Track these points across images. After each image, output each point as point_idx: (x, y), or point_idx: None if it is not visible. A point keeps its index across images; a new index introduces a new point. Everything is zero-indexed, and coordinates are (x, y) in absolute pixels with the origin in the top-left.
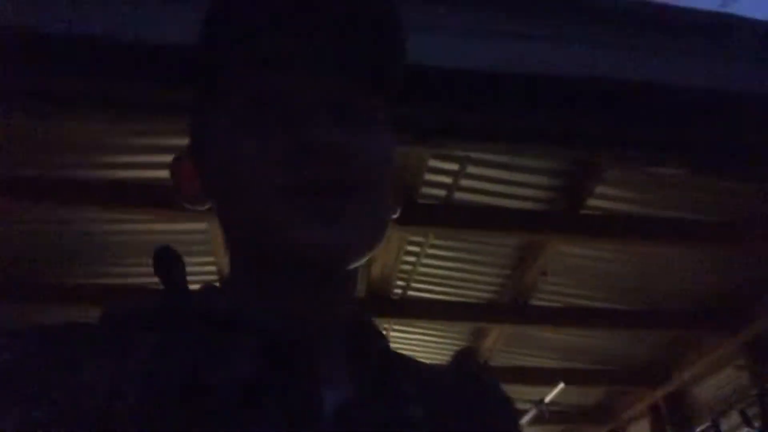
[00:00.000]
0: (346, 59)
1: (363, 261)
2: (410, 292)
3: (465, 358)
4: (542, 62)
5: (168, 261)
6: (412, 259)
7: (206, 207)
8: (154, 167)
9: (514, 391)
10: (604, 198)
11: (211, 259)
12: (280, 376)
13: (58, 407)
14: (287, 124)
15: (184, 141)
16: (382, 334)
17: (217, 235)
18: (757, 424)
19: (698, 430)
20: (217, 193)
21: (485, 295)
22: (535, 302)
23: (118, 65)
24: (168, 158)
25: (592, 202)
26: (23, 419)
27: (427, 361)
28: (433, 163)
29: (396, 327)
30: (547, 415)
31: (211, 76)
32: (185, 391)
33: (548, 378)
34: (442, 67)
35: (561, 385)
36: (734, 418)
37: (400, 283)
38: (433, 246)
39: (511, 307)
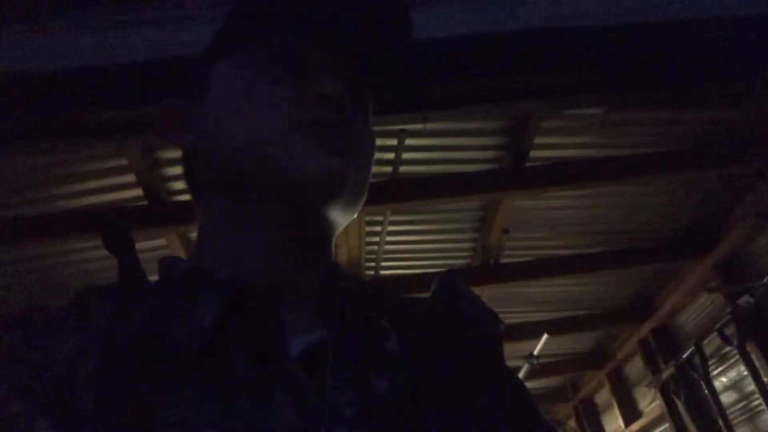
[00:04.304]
0: (356, 51)
1: (347, 211)
2: (382, 271)
3: (442, 281)
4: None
5: (117, 234)
6: (375, 239)
7: (176, 144)
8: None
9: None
10: (545, 148)
11: None
12: (241, 324)
13: (13, 384)
14: (303, 78)
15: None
16: (353, 280)
17: (176, 249)
18: (735, 341)
19: (684, 356)
20: (213, 134)
21: (458, 261)
22: (506, 260)
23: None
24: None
25: (535, 153)
26: None
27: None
28: None
29: None
30: (538, 367)
31: (229, 41)
32: (145, 346)
33: (539, 331)
34: None
35: (545, 336)
36: (715, 339)
37: (370, 264)
38: (393, 222)
39: (485, 269)
